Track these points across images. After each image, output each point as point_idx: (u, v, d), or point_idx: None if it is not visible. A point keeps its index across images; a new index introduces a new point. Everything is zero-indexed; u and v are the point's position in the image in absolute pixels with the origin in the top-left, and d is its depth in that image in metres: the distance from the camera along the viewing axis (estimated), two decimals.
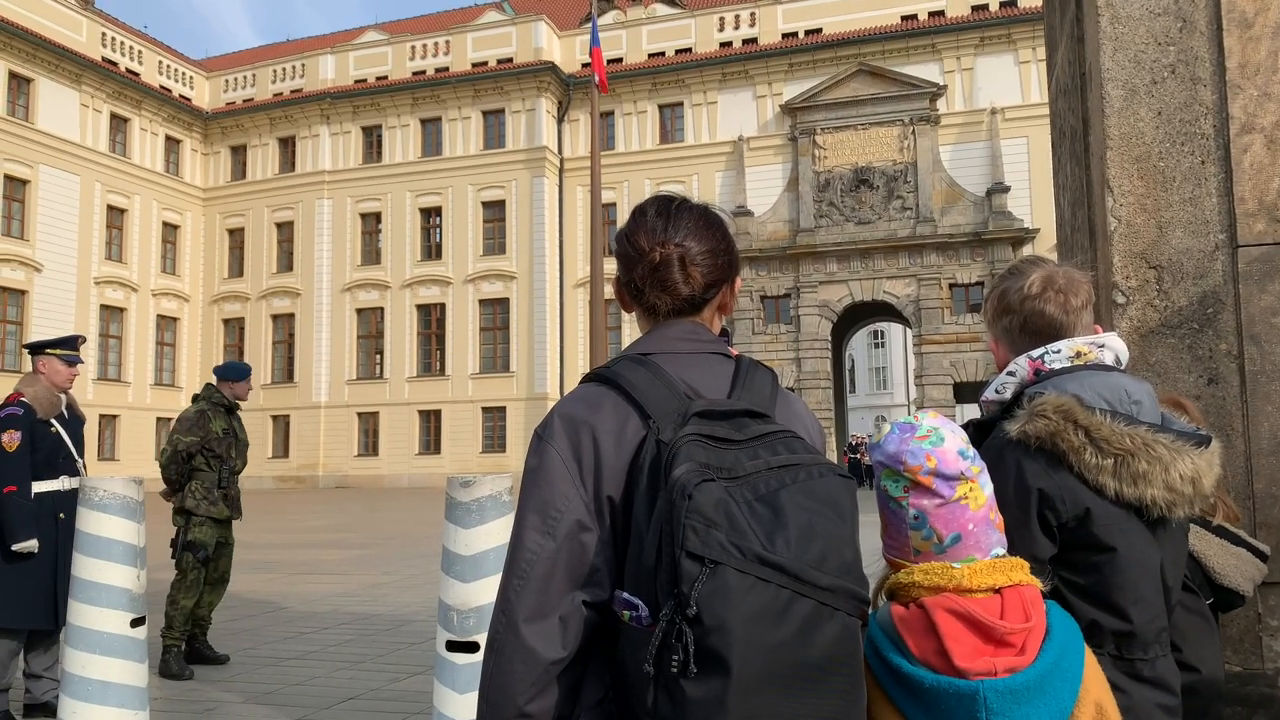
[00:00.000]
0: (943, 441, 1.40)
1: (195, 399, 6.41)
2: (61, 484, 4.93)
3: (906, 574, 1.39)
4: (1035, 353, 1.72)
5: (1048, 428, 1.56)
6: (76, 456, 5.06)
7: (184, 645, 6.01)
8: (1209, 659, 1.88)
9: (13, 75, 32.78)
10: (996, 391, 1.75)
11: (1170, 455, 1.55)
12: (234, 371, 6.48)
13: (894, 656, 1.32)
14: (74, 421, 5.16)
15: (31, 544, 4.70)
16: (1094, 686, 1.34)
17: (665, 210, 1.38)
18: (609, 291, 21.51)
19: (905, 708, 1.30)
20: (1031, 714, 1.26)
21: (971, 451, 1.42)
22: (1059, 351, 1.71)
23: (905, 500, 1.40)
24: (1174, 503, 1.55)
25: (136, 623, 3.80)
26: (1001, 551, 1.41)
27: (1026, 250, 30.73)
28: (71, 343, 5.17)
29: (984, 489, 1.41)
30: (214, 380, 6.46)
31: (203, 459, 6.16)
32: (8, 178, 32.40)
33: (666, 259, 1.34)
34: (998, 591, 1.34)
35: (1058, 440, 1.56)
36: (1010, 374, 1.74)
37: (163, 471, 6.16)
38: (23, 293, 32.70)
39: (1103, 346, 1.73)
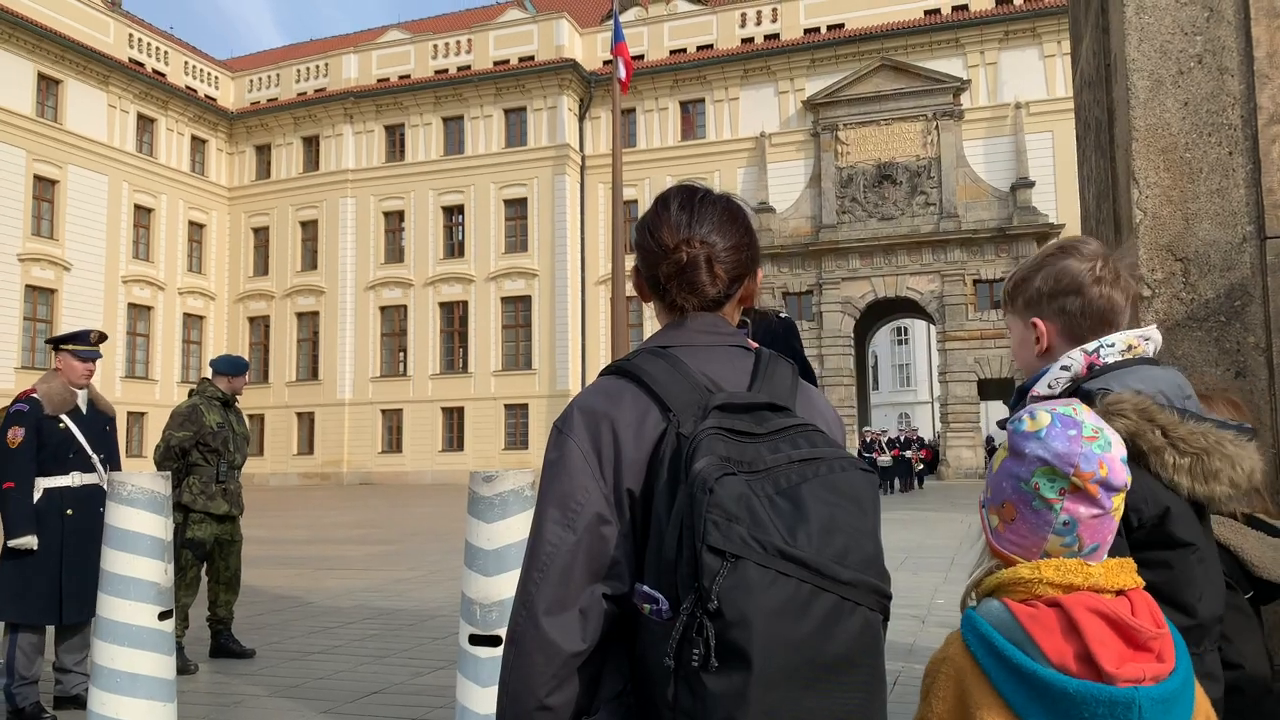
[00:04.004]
0: (1110, 447, 1.26)
1: (190, 394, 6.35)
2: (71, 480, 4.84)
3: (1032, 569, 1.26)
4: (1090, 346, 1.67)
5: (1128, 427, 1.50)
6: (91, 452, 4.94)
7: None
8: (1252, 654, 1.84)
9: (41, 77, 33.23)
10: (1049, 387, 1.69)
11: (1237, 452, 1.53)
12: (229, 365, 6.38)
13: (1021, 658, 1.21)
14: (95, 418, 5.05)
15: (28, 540, 4.62)
16: (1201, 699, 1.28)
17: (689, 203, 1.35)
18: (630, 289, 21.31)
19: (1028, 713, 1.20)
20: None
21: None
22: (1113, 345, 1.67)
23: (1059, 504, 1.25)
24: (1233, 498, 1.54)
25: (164, 616, 3.84)
26: (1105, 556, 1.31)
27: None
28: (84, 337, 5.05)
29: (1125, 500, 1.31)
30: (210, 374, 6.39)
31: (199, 454, 6.09)
32: (37, 178, 32.85)
33: (694, 260, 1.31)
34: (1121, 593, 1.25)
35: (1138, 440, 1.51)
36: (1064, 368, 1.68)
37: (158, 468, 6.08)
38: (52, 291, 33.14)
39: (1148, 339, 1.69)
